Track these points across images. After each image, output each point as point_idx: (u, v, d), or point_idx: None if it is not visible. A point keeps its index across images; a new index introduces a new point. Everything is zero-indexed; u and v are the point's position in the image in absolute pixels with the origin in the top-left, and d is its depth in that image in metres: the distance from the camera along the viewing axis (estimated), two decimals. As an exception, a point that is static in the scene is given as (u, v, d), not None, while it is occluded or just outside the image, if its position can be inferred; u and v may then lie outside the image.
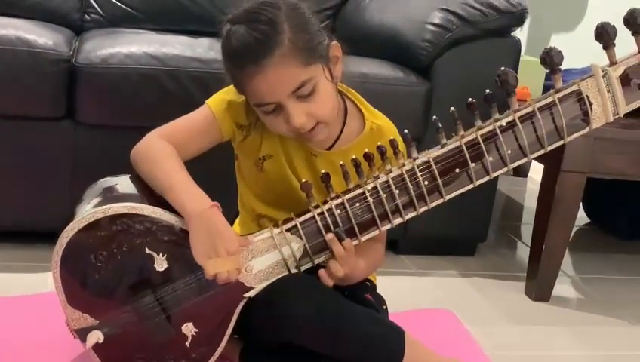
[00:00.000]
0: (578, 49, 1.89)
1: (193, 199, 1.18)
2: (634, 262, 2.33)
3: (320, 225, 1.21)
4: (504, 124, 1.20)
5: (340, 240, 1.20)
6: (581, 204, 1.96)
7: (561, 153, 1.77)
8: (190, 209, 1.17)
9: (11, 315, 1.50)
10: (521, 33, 2.13)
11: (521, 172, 3.10)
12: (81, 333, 1.22)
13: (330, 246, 1.20)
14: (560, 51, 1.17)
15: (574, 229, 2.34)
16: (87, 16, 2.22)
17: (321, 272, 1.22)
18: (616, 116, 1.21)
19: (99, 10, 2.23)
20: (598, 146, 1.80)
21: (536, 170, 2.49)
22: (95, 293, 1.20)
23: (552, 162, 1.81)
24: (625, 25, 1.17)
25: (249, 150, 1.32)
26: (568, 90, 1.20)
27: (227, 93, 1.31)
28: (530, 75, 2.09)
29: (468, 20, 1.94)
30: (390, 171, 1.21)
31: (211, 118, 1.29)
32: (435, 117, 1.20)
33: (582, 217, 2.55)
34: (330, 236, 1.20)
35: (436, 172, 1.20)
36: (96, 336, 1.21)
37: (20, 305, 1.54)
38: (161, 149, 1.25)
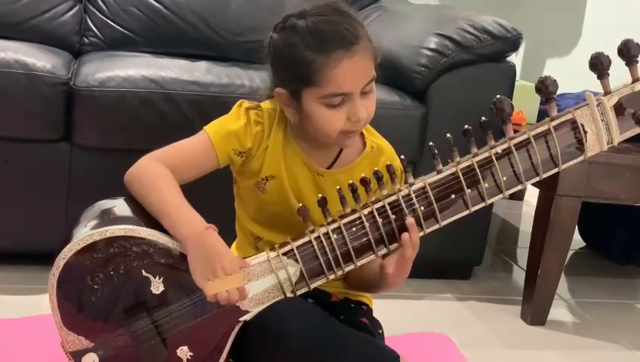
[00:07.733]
0: (573, 74, 1.90)
1: (187, 223, 1.18)
2: (629, 287, 2.33)
3: (316, 249, 1.21)
4: (500, 151, 1.20)
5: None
6: (577, 227, 1.96)
7: (556, 177, 1.78)
8: (184, 233, 1.17)
9: (6, 338, 1.50)
10: (516, 58, 2.15)
11: (517, 195, 3.10)
12: (76, 356, 1.21)
13: (411, 232, 1.20)
14: (555, 80, 1.18)
15: (570, 253, 2.35)
16: (85, 40, 2.23)
17: (407, 239, 1.20)
18: (610, 145, 1.22)
19: (97, 33, 2.24)
20: (593, 171, 1.81)
21: (532, 194, 2.50)
22: (91, 316, 1.20)
23: (548, 186, 1.82)
24: (619, 55, 1.18)
25: (250, 172, 1.32)
26: (563, 119, 1.21)
27: (226, 121, 1.30)
28: (525, 100, 2.11)
29: (463, 45, 1.96)
30: (387, 196, 1.21)
31: (209, 145, 1.28)
32: (431, 143, 1.21)
33: (577, 241, 2.56)
34: (411, 220, 1.20)
35: (432, 198, 1.21)
36: (91, 359, 1.21)
37: (15, 328, 1.54)
38: (155, 172, 1.25)
